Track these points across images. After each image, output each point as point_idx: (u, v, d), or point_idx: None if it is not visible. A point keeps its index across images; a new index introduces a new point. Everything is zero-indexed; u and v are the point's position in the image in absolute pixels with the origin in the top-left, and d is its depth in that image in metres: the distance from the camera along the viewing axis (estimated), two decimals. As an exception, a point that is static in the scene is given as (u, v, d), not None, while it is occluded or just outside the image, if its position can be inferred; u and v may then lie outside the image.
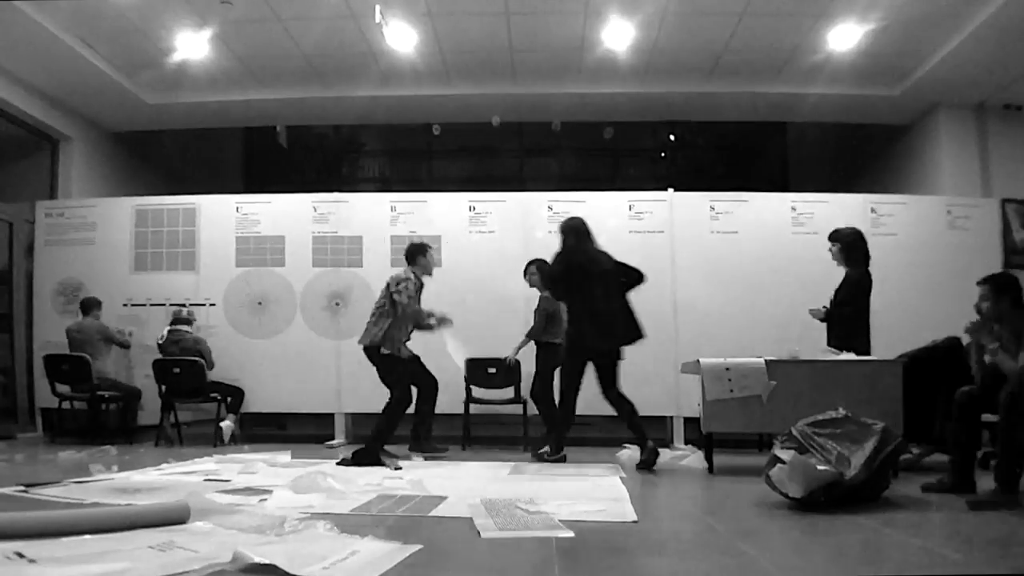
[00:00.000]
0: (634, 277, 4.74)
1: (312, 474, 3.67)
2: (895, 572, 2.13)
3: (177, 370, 5.68)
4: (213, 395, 5.77)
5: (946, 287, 6.11)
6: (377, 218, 6.34)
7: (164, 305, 6.29)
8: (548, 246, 6.17)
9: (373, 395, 6.10)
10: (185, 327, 5.93)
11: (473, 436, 5.77)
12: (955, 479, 3.32)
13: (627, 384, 5.99)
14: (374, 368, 4.89)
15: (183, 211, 6.45)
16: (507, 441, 5.93)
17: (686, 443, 5.88)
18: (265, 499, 3.13)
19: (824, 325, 4.80)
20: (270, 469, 4.19)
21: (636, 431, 4.60)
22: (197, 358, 5.73)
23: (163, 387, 5.73)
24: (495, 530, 2.54)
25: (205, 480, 3.73)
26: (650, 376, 6.02)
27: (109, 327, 6.13)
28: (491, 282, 6.18)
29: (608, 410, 5.53)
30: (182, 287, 6.32)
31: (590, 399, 6.02)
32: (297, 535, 2.39)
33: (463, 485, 3.58)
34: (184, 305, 6.14)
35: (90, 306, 6.11)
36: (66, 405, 5.92)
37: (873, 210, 6.23)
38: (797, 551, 2.37)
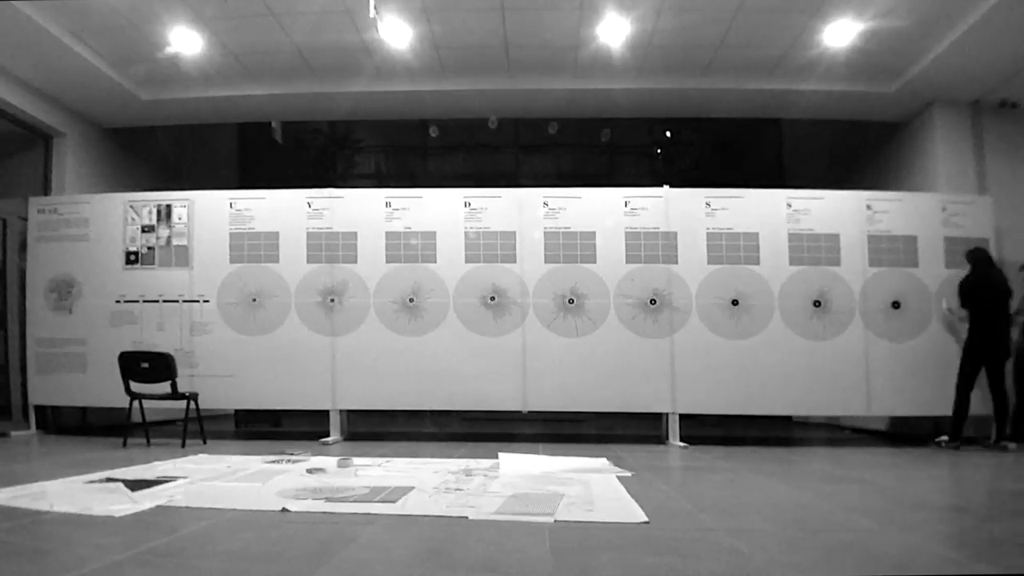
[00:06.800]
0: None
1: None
2: (894, 571, 2.12)
3: (146, 364, 5.59)
4: (183, 393, 5.59)
5: (941, 284, 6.13)
6: (372, 214, 6.31)
7: (157, 302, 6.26)
8: (543, 242, 6.21)
9: (367, 392, 6.13)
10: None
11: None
12: None
13: (622, 381, 6.02)
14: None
15: (176, 207, 6.42)
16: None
17: (682, 440, 5.88)
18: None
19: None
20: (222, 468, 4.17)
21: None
22: (167, 352, 5.61)
23: (129, 382, 5.54)
24: (489, 514, 2.53)
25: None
26: (646, 373, 6.03)
27: None
28: (486, 278, 6.16)
29: (598, 407, 5.47)
30: (176, 283, 6.30)
31: (583, 397, 6.05)
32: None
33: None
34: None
35: None
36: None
37: (869, 207, 6.23)
38: (793, 549, 2.37)
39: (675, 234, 6.19)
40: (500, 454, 4.63)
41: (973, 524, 2.85)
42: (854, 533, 2.56)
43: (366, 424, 7.19)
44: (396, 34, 6.09)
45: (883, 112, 7.27)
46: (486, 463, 4.38)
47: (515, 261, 6.19)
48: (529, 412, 6.13)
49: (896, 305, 6.09)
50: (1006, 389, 5.69)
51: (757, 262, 6.14)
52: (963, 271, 5.93)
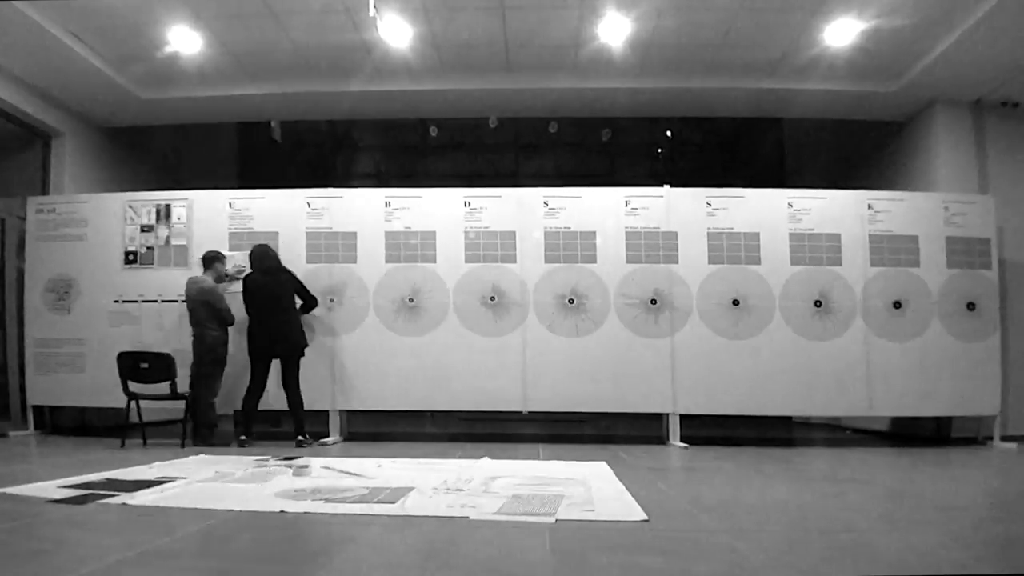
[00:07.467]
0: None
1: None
2: (894, 572, 2.11)
3: (145, 364, 5.56)
4: (182, 393, 5.57)
5: (943, 284, 6.12)
6: (372, 214, 6.30)
7: (156, 302, 6.25)
8: (543, 241, 6.20)
9: (367, 392, 6.12)
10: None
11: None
12: None
13: (623, 381, 6.01)
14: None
15: (176, 207, 6.40)
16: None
17: (682, 440, 5.87)
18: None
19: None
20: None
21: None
22: (166, 352, 5.61)
23: (127, 382, 5.51)
24: (490, 515, 2.52)
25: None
26: (646, 373, 6.01)
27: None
28: (486, 278, 6.15)
29: (599, 407, 5.46)
30: (174, 283, 6.27)
31: (583, 397, 6.04)
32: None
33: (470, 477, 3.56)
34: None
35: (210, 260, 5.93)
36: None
37: (870, 206, 6.22)
38: (793, 549, 2.35)
39: (676, 234, 6.18)
40: (485, 459, 4.59)
41: (975, 524, 2.84)
42: (854, 533, 2.55)
43: (365, 424, 7.18)
44: (396, 33, 6.07)
45: (884, 111, 7.26)
46: (485, 464, 4.37)
47: (515, 261, 6.18)
48: (529, 412, 6.12)
49: (897, 305, 6.07)
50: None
51: (758, 262, 6.12)
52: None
